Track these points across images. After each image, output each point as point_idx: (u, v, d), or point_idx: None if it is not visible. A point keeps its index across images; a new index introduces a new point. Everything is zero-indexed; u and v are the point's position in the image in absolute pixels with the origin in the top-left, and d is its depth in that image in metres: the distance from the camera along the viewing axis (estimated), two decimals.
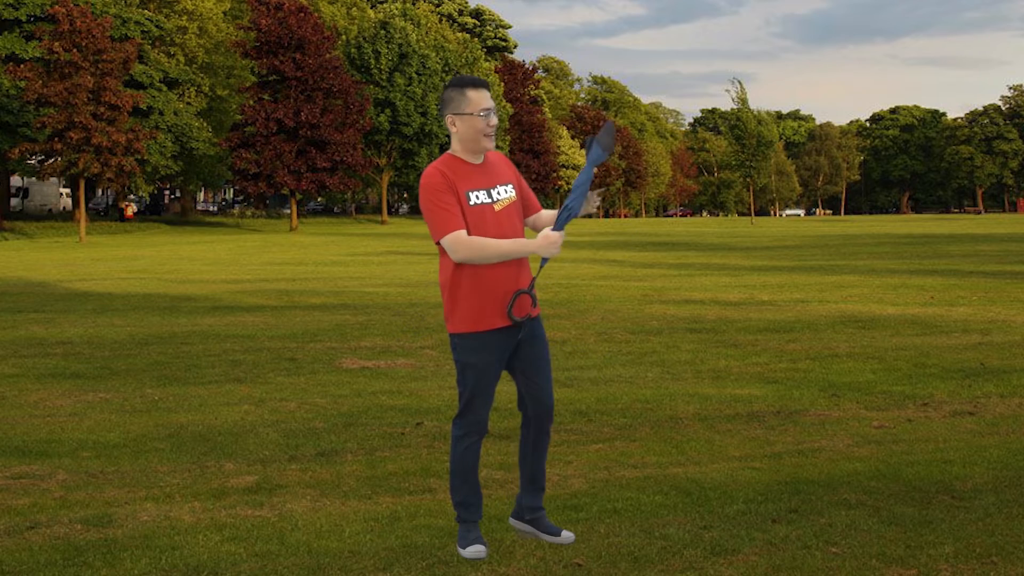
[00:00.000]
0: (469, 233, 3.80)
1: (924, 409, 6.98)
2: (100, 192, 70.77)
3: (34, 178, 54.12)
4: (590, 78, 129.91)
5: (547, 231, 3.81)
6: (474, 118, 3.83)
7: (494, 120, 3.87)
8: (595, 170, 3.95)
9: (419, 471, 5.41)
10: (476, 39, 77.82)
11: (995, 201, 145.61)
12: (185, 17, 57.96)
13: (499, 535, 4.30)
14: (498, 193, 3.92)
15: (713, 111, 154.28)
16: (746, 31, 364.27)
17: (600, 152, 3.88)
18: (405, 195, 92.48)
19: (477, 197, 3.86)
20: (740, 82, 74.28)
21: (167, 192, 79.84)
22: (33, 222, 50.16)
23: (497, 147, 72.61)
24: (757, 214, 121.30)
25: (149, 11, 55.28)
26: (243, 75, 59.75)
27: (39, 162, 48.60)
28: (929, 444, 5.95)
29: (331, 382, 8.21)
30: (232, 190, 74.14)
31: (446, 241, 3.77)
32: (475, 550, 3.98)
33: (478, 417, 3.93)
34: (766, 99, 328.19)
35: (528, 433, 4.07)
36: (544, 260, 3.87)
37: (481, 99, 3.84)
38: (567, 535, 4.09)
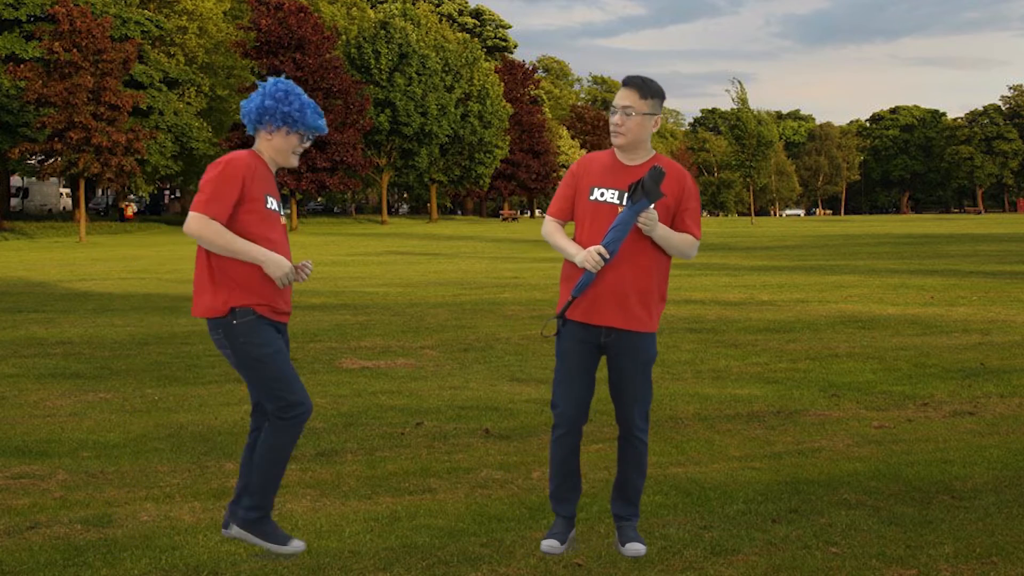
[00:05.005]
0: (581, 224, 3.90)
1: (924, 409, 6.98)
2: (100, 192, 70.78)
3: (34, 178, 54.13)
4: (590, 78, 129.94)
5: (595, 248, 3.76)
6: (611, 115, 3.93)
7: (617, 118, 3.85)
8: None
9: (419, 471, 5.40)
10: (476, 39, 77.70)
11: (995, 201, 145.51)
12: (185, 17, 57.97)
13: (499, 535, 4.29)
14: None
15: (713, 111, 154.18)
16: (746, 31, 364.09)
17: (645, 202, 3.79)
18: (405, 195, 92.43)
19: (602, 194, 3.89)
20: (740, 82, 74.18)
21: (167, 192, 79.82)
22: (33, 222, 50.17)
23: (497, 147, 71.95)
24: (757, 214, 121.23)
25: (149, 11, 55.29)
26: (243, 75, 59.74)
27: (39, 162, 48.60)
28: (929, 444, 5.95)
29: (331, 382, 8.21)
30: None
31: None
32: (548, 544, 3.98)
33: (562, 409, 3.93)
34: (766, 99, 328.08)
35: (619, 439, 4.09)
36: (589, 275, 3.80)
37: (617, 96, 3.87)
38: (632, 547, 3.99)
